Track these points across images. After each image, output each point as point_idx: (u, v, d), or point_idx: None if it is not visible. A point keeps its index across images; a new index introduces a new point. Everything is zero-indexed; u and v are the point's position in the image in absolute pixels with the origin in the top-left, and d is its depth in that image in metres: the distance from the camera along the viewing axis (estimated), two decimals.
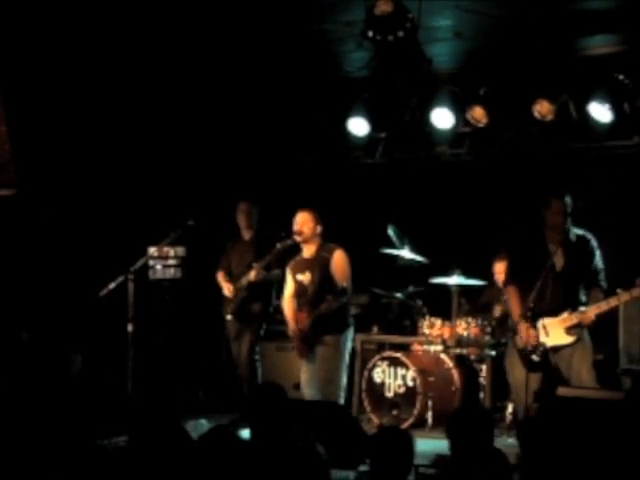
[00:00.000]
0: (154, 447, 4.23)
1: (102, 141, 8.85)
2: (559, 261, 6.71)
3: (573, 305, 6.64)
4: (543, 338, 6.64)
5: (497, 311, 8.32)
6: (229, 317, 8.33)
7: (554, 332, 6.62)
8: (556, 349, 6.66)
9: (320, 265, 7.36)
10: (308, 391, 7.41)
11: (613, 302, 6.58)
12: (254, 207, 8.47)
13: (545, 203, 6.72)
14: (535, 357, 6.64)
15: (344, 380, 7.38)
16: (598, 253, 6.76)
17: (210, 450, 4.14)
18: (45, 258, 8.54)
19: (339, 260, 7.37)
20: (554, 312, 6.65)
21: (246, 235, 8.46)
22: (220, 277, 8.42)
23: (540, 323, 6.65)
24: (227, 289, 8.31)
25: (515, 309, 6.80)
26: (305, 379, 7.45)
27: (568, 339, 6.61)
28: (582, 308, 6.60)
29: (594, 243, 6.78)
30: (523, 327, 6.62)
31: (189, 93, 8.90)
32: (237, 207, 8.46)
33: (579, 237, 6.77)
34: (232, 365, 8.46)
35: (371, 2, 6.28)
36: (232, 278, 8.35)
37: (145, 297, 8.32)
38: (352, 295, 7.69)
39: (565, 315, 6.61)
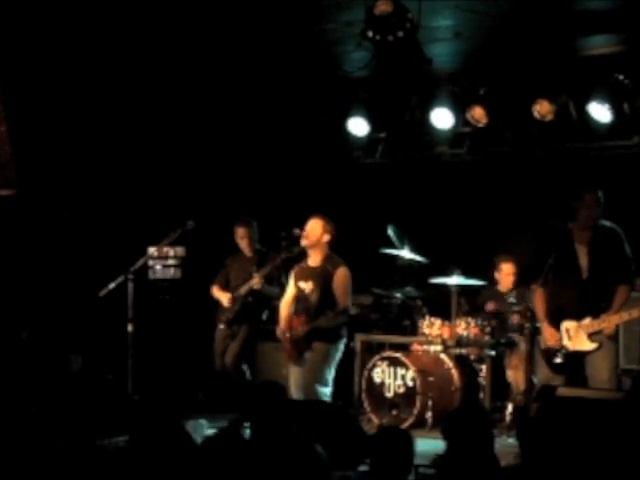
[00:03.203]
0: (154, 447, 4.23)
1: (102, 141, 8.84)
2: (584, 262, 6.57)
3: (597, 309, 6.52)
4: (566, 341, 6.56)
5: (490, 306, 8.37)
6: (222, 325, 8.32)
7: (577, 337, 6.52)
8: (579, 354, 6.56)
9: (323, 277, 7.36)
10: (297, 394, 7.40)
11: (635, 313, 6.47)
12: (252, 227, 8.39)
13: (577, 197, 6.55)
14: (557, 359, 6.57)
15: (328, 388, 7.35)
16: (626, 245, 6.60)
17: (210, 450, 4.14)
18: (45, 258, 8.54)
19: (341, 278, 7.36)
20: (577, 315, 6.54)
21: (248, 253, 8.43)
22: (215, 290, 8.38)
23: (563, 326, 6.57)
24: (225, 298, 8.27)
25: (540, 310, 6.73)
26: (293, 382, 7.44)
27: (590, 346, 6.51)
28: (604, 315, 6.47)
29: (621, 235, 6.61)
30: (546, 328, 6.60)
31: (189, 94, 8.90)
32: (235, 230, 8.38)
33: (606, 229, 6.61)
34: (216, 374, 8.48)
35: (371, 2, 6.29)
36: (230, 289, 8.32)
37: (145, 297, 8.31)
38: (352, 295, 7.67)
39: (587, 321, 6.50)
